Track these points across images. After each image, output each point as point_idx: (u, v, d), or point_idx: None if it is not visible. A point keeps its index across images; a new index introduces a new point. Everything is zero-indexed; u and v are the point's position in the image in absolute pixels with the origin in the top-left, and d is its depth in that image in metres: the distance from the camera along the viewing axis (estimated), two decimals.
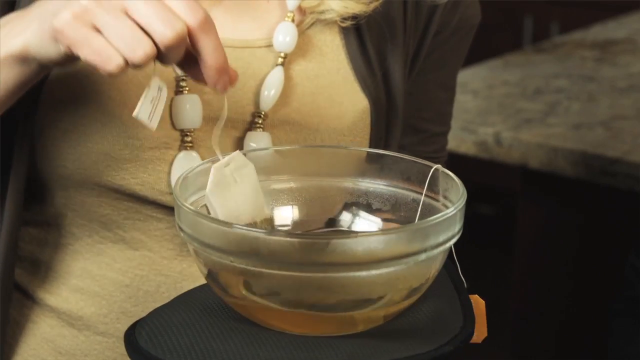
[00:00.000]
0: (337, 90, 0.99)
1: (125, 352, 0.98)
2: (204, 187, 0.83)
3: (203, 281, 0.85)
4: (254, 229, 0.78)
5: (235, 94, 0.97)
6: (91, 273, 1.00)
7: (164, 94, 0.82)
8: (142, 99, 0.80)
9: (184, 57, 0.80)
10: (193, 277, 0.98)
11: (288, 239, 0.76)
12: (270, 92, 0.97)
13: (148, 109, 0.81)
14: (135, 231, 0.98)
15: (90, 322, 1.00)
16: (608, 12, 2.85)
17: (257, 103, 0.97)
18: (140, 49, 0.77)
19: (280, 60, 0.98)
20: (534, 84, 2.07)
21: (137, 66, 0.78)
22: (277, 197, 0.89)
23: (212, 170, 0.82)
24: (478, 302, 0.86)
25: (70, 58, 0.81)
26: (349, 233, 0.87)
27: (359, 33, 1.01)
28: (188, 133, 0.96)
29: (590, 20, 2.66)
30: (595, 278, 1.95)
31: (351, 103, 0.99)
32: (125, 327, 0.97)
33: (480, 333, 0.84)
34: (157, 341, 0.79)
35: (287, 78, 0.98)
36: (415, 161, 0.87)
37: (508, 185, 2.42)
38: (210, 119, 0.96)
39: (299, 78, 0.99)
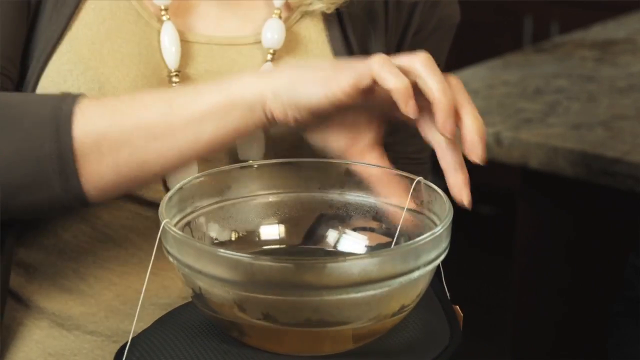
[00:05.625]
0: None
1: (115, 351, 0.97)
2: (190, 204, 0.84)
3: None
4: (241, 254, 0.76)
5: None
6: (78, 272, 1.00)
7: None
8: None
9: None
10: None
11: (278, 263, 0.75)
12: None
13: None
14: (122, 229, 0.98)
15: (79, 321, 1.00)
16: (608, 12, 2.85)
17: None
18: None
19: (269, 56, 0.99)
20: (534, 84, 2.07)
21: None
22: (260, 213, 0.89)
23: None
24: (457, 313, 0.87)
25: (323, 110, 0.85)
26: (340, 255, 0.87)
27: (343, 29, 1.02)
28: None
29: (590, 20, 2.65)
30: (595, 278, 1.94)
31: None
32: (114, 325, 0.97)
33: None
34: None
35: None
36: (396, 173, 0.87)
37: (508, 185, 2.41)
38: None
39: None
